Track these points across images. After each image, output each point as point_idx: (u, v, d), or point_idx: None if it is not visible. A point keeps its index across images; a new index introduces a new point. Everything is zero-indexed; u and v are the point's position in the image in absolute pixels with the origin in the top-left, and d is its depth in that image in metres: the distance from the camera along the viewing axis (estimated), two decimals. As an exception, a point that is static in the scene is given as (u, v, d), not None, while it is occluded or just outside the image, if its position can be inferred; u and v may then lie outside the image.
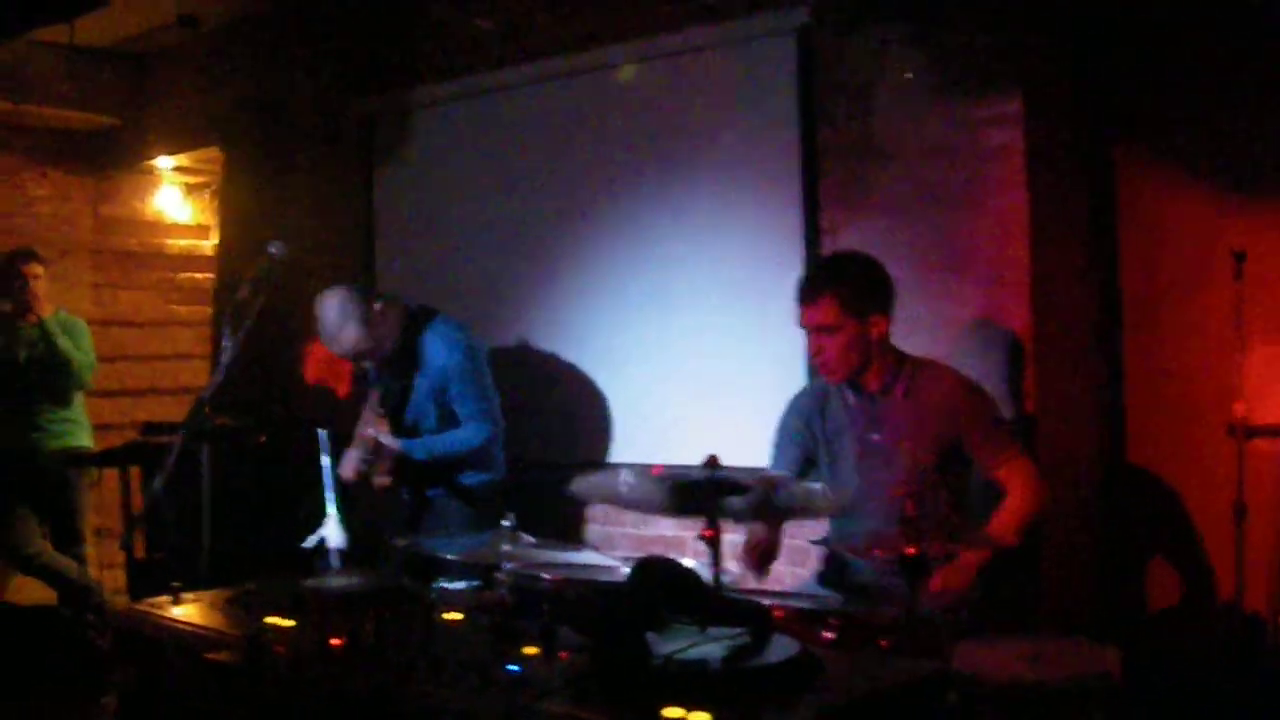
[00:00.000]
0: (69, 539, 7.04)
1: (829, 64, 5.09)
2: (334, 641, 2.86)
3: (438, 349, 5.06)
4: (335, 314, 5.01)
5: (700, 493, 3.28)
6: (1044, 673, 2.43)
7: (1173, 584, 5.05)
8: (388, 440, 5.03)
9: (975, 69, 4.73)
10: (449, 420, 5.11)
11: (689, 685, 2.42)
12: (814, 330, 3.98)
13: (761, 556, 4.08)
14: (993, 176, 4.70)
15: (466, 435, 5.08)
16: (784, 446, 4.26)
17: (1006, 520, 3.95)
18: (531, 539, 3.98)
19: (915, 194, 4.88)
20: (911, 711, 2.57)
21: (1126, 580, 5.11)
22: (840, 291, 3.95)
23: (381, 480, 5.10)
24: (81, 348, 6.96)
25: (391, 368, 5.16)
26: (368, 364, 5.23)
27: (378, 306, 5.03)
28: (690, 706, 2.30)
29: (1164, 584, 5.06)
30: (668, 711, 2.29)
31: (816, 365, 4.08)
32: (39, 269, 6.92)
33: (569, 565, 3.86)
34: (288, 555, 4.61)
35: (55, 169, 8.11)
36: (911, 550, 3.24)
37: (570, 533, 5.74)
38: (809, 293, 3.99)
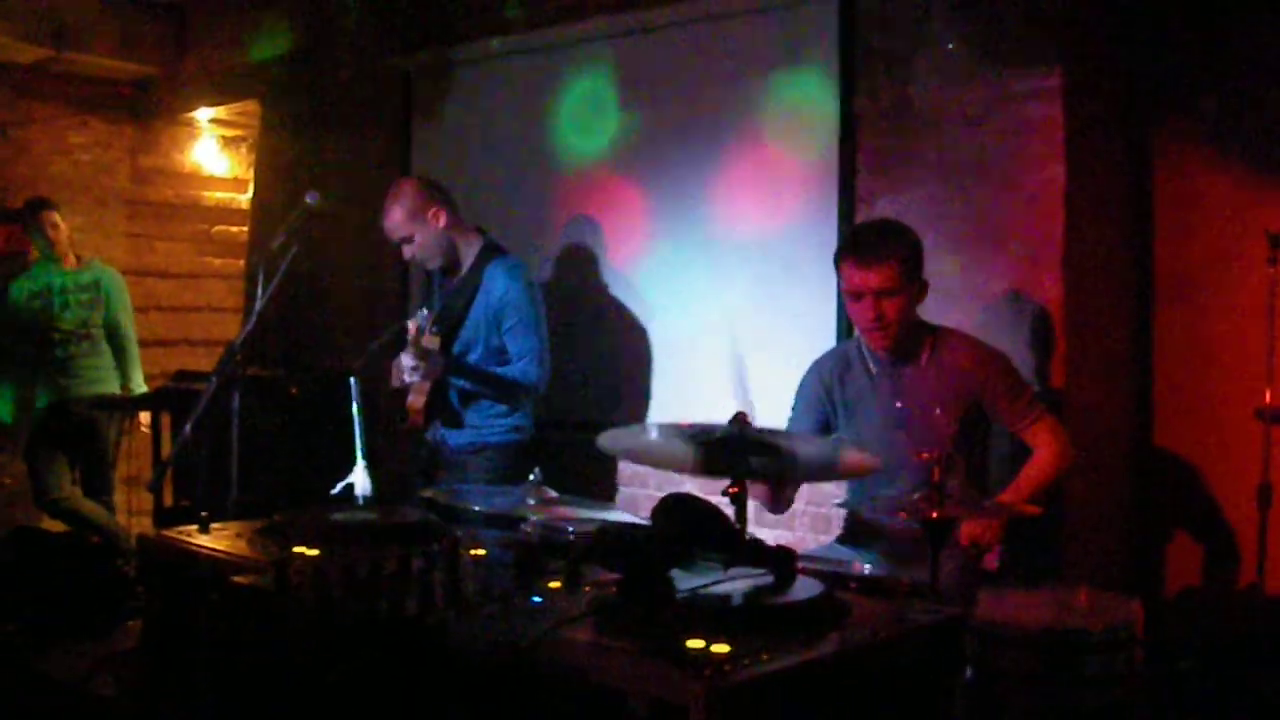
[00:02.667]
0: (98, 486, 7.12)
1: (870, 32, 5.07)
2: (359, 570, 2.88)
3: (501, 278, 5.04)
4: (392, 194, 5.13)
5: (727, 449, 3.29)
6: (1066, 621, 2.44)
7: (1195, 564, 5.05)
8: (435, 356, 4.97)
9: (1017, 41, 4.71)
10: (495, 359, 5.11)
11: (712, 619, 2.44)
12: (873, 294, 3.93)
13: (777, 496, 4.10)
14: (1031, 150, 4.68)
15: (514, 371, 5.04)
16: (801, 409, 4.27)
17: (1029, 481, 3.95)
18: (556, 494, 3.99)
19: (952, 165, 4.87)
20: (933, 654, 2.58)
21: (1149, 558, 5.11)
22: (904, 255, 3.94)
23: (416, 400, 5.07)
24: (121, 303, 7.09)
25: (454, 288, 5.17)
26: (433, 271, 5.28)
27: (432, 210, 5.05)
28: (712, 640, 2.31)
29: (1186, 563, 5.06)
30: (690, 642, 2.30)
31: (870, 329, 4.00)
32: (56, 217, 7.00)
33: (594, 521, 3.87)
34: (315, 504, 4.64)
35: (95, 118, 8.15)
36: (936, 515, 3.24)
37: (595, 493, 5.75)
38: (874, 256, 3.92)
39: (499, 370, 5.07)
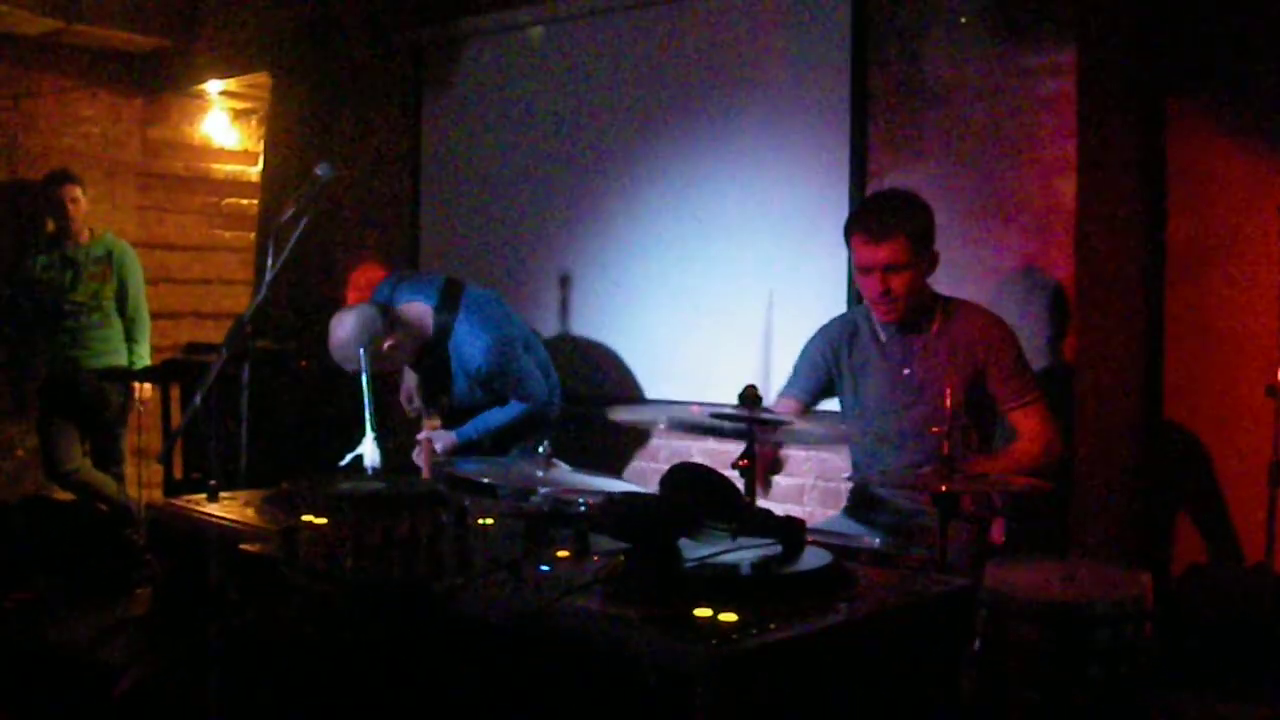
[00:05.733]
0: (108, 457, 7.14)
1: (883, 6, 5.05)
2: (368, 539, 2.88)
3: (469, 349, 5.00)
4: (340, 341, 4.83)
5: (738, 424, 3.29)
6: (1076, 593, 2.43)
7: (1204, 539, 5.04)
8: (443, 443, 5.03)
9: (1030, 16, 4.69)
10: (499, 397, 5.12)
11: (720, 589, 2.44)
12: (881, 269, 3.92)
13: (766, 466, 4.09)
14: (1043, 125, 4.66)
15: (512, 410, 5.08)
16: (803, 370, 4.27)
17: (1006, 462, 3.92)
18: (566, 466, 4.00)
19: (964, 140, 4.85)
20: (941, 625, 2.58)
21: (1158, 533, 5.10)
22: (911, 229, 3.92)
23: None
24: (134, 276, 7.11)
25: (426, 369, 5.17)
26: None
27: (387, 345, 4.85)
28: (720, 609, 2.31)
29: (1196, 538, 5.06)
30: (697, 611, 2.30)
31: (878, 303, 3.99)
32: (77, 192, 7.01)
33: (604, 492, 3.87)
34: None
35: (105, 90, 8.13)
36: (945, 488, 3.24)
37: (604, 466, 5.75)
38: (881, 231, 3.90)
39: (504, 418, 5.09)
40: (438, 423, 5.14)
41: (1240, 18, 4.88)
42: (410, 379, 5.32)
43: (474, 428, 5.08)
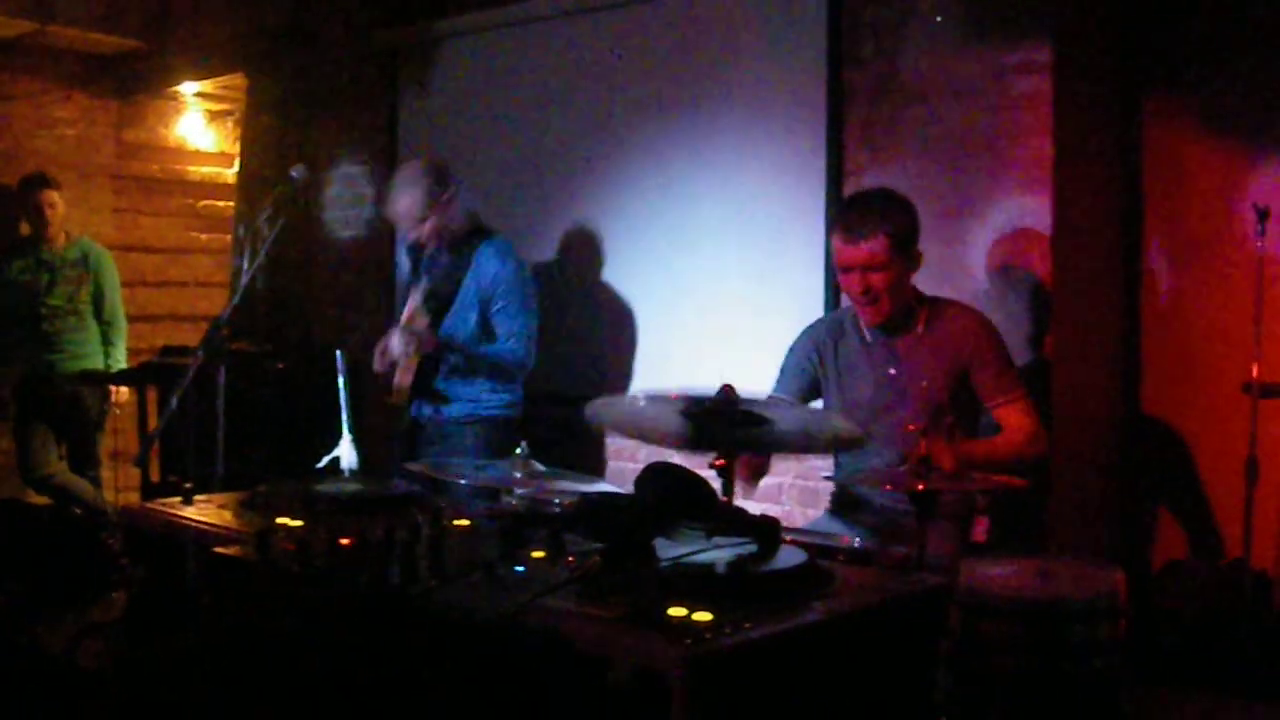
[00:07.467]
0: (85, 461, 7.11)
1: (858, 4, 5.05)
2: (343, 541, 2.87)
3: (493, 260, 5.09)
4: (402, 181, 5.13)
5: (715, 422, 3.27)
6: (1049, 590, 2.43)
7: (1181, 537, 5.06)
8: (426, 332, 5.04)
9: (1006, 15, 4.69)
10: (482, 339, 5.12)
11: (695, 588, 2.43)
12: (862, 269, 3.90)
13: (753, 469, 4.07)
14: (1019, 123, 4.67)
15: (504, 350, 5.09)
16: (790, 372, 4.25)
17: (997, 450, 3.91)
18: (543, 468, 3.99)
19: (940, 138, 4.85)
20: (916, 623, 2.58)
21: (1135, 530, 5.12)
22: (892, 229, 3.90)
23: (403, 379, 5.09)
24: (109, 279, 7.08)
25: (444, 267, 5.17)
26: (425, 248, 5.24)
27: (445, 195, 5.06)
28: (695, 608, 2.31)
29: (1172, 536, 5.07)
30: (672, 611, 2.30)
31: (860, 303, 3.98)
32: (54, 196, 6.99)
33: (579, 492, 3.85)
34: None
35: (80, 92, 8.10)
36: (922, 487, 3.23)
37: (582, 467, 5.74)
38: (862, 231, 3.88)
39: (488, 349, 5.11)
40: (426, 322, 5.11)
41: (1216, 15, 4.90)
42: (415, 298, 5.25)
43: (458, 341, 5.11)
